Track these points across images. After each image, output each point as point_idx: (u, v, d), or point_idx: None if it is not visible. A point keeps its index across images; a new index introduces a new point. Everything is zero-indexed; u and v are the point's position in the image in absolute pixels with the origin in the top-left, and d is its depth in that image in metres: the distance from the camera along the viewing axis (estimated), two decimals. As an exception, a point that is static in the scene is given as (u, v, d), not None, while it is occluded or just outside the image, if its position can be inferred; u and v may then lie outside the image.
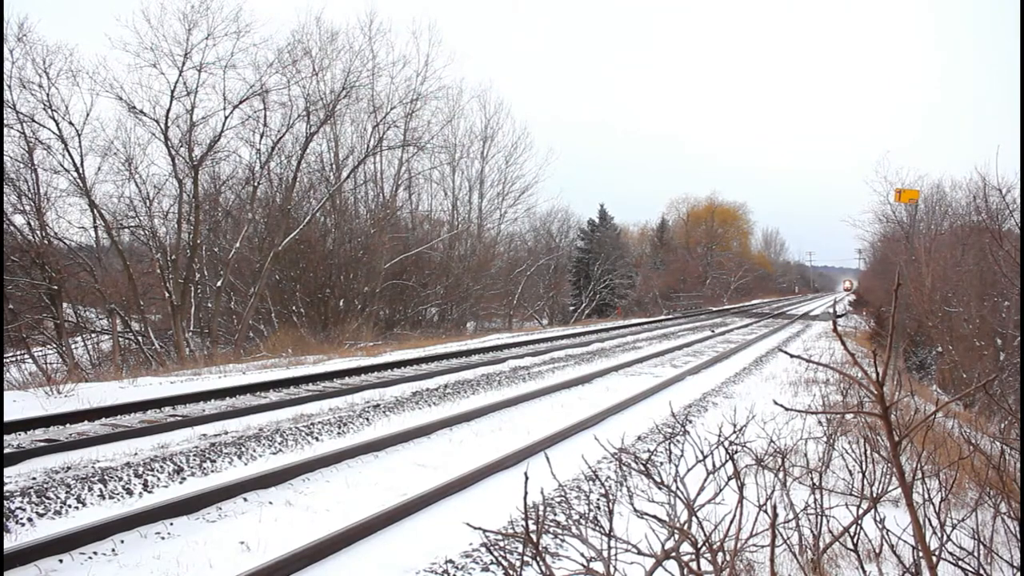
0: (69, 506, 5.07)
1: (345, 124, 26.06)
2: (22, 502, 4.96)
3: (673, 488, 2.82)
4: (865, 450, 3.84)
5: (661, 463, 6.36)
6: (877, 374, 2.24)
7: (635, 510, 2.73)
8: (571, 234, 45.96)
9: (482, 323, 33.18)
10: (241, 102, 20.62)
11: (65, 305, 19.30)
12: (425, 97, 25.80)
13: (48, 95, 17.84)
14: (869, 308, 34.80)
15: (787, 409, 2.63)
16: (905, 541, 3.08)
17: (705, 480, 2.95)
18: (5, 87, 16.96)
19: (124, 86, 19.12)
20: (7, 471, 5.72)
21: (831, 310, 51.27)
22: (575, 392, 10.96)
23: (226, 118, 20.51)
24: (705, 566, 2.72)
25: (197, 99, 19.98)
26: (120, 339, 19.58)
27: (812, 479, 3.80)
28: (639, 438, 7.66)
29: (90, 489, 5.32)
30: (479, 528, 2.59)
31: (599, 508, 5.36)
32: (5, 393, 9.68)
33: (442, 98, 27.66)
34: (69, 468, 5.79)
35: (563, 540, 4.50)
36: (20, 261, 18.26)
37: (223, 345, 20.69)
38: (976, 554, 2.83)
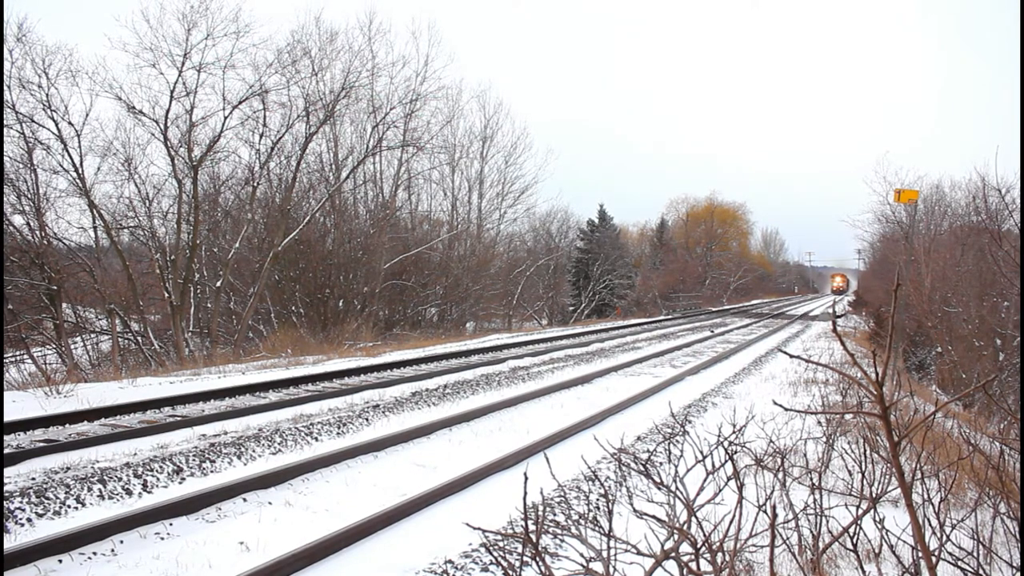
0: (68, 506, 5.07)
1: (344, 124, 26.08)
2: (22, 502, 4.96)
3: (672, 488, 2.81)
4: (864, 450, 3.84)
5: (660, 463, 6.37)
6: (876, 374, 2.24)
7: (635, 510, 2.73)
8: (570, 234, 45.93)
9: (481, 323, 33.17)
10: (240, 102, 20.62)
11: (64, 305, 19.29)
12: (424, 97, 25.80)
13: (47, 95, 17.85)
14: (868, 308, 34.82)
15: (786, 409, 2.63)
16: (904, 541, 3.08)
17: (705, 480, 2.95)
18: (5, 87, 16.96)
19: (123, 86, 19.14)
20: (7, 471, 5.72)
21: (831, 310, 51.27)
22: (575, 392, 10.96)
23: (225, 118, 20.53)
24: (704, 566, 2.72)
25: (196, 99, 20.00)
26: (119, 339, 19.58)
27: (811, 479, 3.80)
28: (639, 438, 7.66)
29: (89, 489, 5.31)
30: (479, 528, 2.59)
31: (599, 508, 5.36)
32: (5, 393, 9.67)
33: (441, 98, 27.65)
34: (68, 468, 5.79)
35: (563, 540, 4.50)
36: (20, 261, 18.25)
37: (223, 345, 20.68)
38: (975, 554, 2.83)
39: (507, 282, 34.76)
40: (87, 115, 18.71)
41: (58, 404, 8.87)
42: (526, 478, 2.42)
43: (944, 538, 2.76)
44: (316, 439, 7.37)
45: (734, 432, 3.19)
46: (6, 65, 17.04)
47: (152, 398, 8.68)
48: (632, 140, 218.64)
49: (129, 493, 5.45)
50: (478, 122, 34.93)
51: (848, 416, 6.82)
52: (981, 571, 2.78)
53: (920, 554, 2.47)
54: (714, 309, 47.16)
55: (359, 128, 26.07)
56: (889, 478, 3.60)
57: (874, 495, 3.28)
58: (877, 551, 3.28)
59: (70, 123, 18.36)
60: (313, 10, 53.92)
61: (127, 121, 19.91)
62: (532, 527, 3.98)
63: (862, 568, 3.05)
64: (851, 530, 3.10)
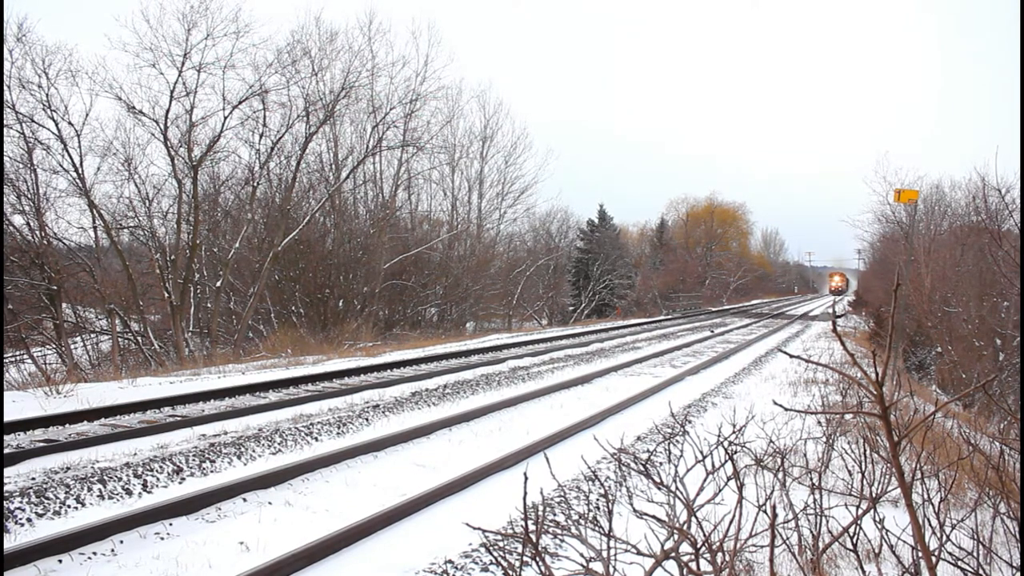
0: (68, 506, 5.07)
1: (344, 124, 26.08)
2: (21, 502, 4.96)
3: (672, 488, 2.81)
4: (864, 450, 3.84)
5: (660, 463, 6.37)
6: (876, 374, 2.24)
7: (634, 510, 2.73)
8: (570, 234, 45.93)
9: (481, 323, 33.16)
10: (240, 102, 20.62)
11: (64, 305, 19.29)
12: (424, 97, 25.78)
13: (47, 95, 17.85)
14: (868, 308, 34.83)
15: (786, 409, 2.63)
16: (904, 541, 3.08)
17: (704, 480, 2.95)
18: (5, 87, 16.96)
19: (123, 86, 19.17)
20: (7, 471, 5.72)
21: (831, 310, 51.28)
22: (574, 392, 10.96)
23: (225, 118, 20.53)
24: (704, 566, 2.72)
25: (196, 99, 20.01)
26: (119, 339, 19.58)
27: (811, 479, 3.80)
28: (638, 438, 7.65)
29: (89, 489, 5.31)
30: (479, 528, 2.59)
31: (598, 508, 5.36)
32: (5, 393, 9.67)
33: (441, 98, 27.63)
34: (68, 468, 5.79)
35: (563, 540, 4.50)
36: (20, 261, 18.25)
37: (222, 345, 20.68)
38: (975, 554, 2.83)
39: (507, 282, 34.75)
40: (87, 115, 18.74)
41: (58, 404, 8.87)
42: (526, 478, 2.42)
43: (944, 538, 2.76)
44: (316, 439, 7.37)
45: (734, 432, 3.19)
46: (6, 65, 17.06)
47: (152, 398, 8.68)
48: (632, 140, 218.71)
49: (129, 493, 5.44)
50: (478, 122, 34.96)
51: (848, 416, 6.82)
52: (981, 571, 2.78)
53: (920, 554, 2.47)
54: (714, 309, 47.17)
55: (359, 128, 26.09)
56: (889, 478, 3.60)
57: (874, 495, 3.28)
58: (877, 551, 3.28)
59: (70, 123, 18.38)
60: (313, 10, 54.00)
61: (127, 121, 19.94)
62: (532, 527, 3.98)
63: (862, 568, 3.05)
64: (851, 530, 3.10)
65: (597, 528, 2.62)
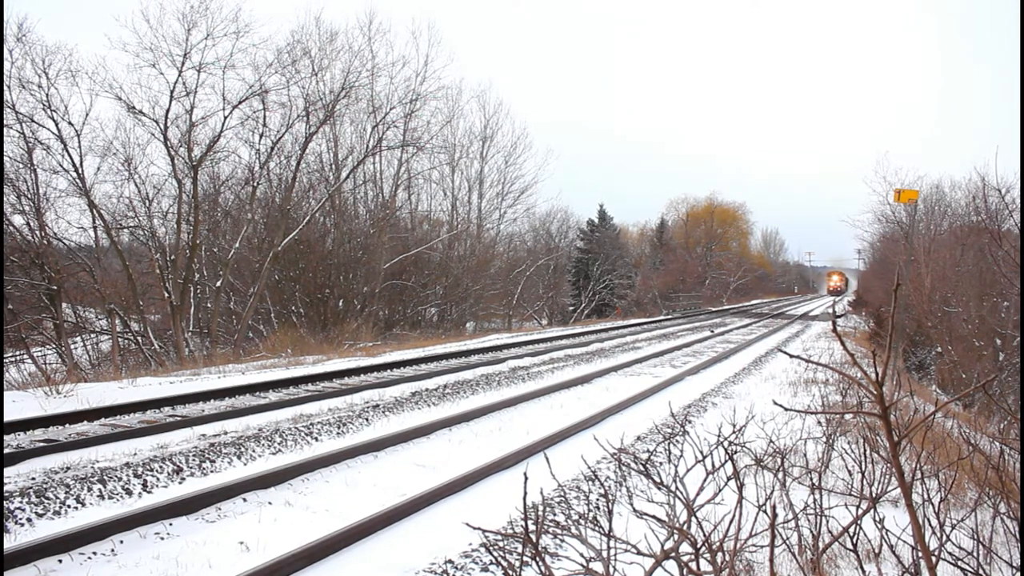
0: (68, 506, 5.07)
1: (344, 124, 26.08)
2: (21, 502, 4.96)
3: (672, 488, 2.81)
4: (864, 450, 3.83)
5: (660, 463, 6.37)
6: (876, 374, 2.24)
7: (634, 510, 2.73)
8: (570, 234, 45.94)
9: (481, 323, 33.16)
10: (240, 102, 20.62)
11: (64, 305, 19.30)
12: (424, 97, 25.79)
13: (47, 95, 17.87)
14: (868, 308, 34.84)
15: (786, 409, 2.63)
16: (904, 541, 3.08)
17: (704, 480, 2.95)
18: (5, 87, 16.96)
19: (123, 86, 19.18)
20: (7, 471, 5.72)
21: (831, 310, 51.28)
22: (574, 392, 10.96)
23: (225, 118, 20.53)
24: (704, 566, 2.72)
25: (196, 99, 20.02)
26: (119, 339, 19.59)
27: (811, 479, 3.80)
28: (638, 438, 7.65)
29: (89, 489, 5.31)
30: (478, 528, 2.59)
31: (598, 508, 5.36)
32: (5, 393, 9.67)
33: (441, 98, 27.63)
34: (68, 468, 5.79)
35: (563, 540, 4.50)
36: (20, 261, 18.26)
37: (222, 345, 20.68)
38: (975, 554, 2.83)
39: (507, 282, 34.75)
40: (87, 115, 18.75)
41: (58, 404, 8.86)
42: (526, 478, 2.41)
43: (944, 538, 2.76)
44: (316, 439, 7.37)
45: (734, 432, 3.19)
46: (6, 65, 17.06)
47: (152, 398, 8.68)
48: (632, 140, 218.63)
49: (129, 493, 5.45)
50: (478, 122, 34.97)
51: (848, 416, 6.82)
52: (981, 571, 2.78)
53: (920, 554, 2.47)
54: (714, 309, 47.16)
55: (359, 128, 26.09)
56: (889, 478, 3.60)
57: (874, 495, 3.28)
58: (877, 551, 3.28)
59: (70, 123, 18.39)
60: (313, 10, 54.00)
61: (127, 121, 19.95)
62: (532, 527, 3.98)
63: (862, 568, 3.05)
64: (851, 530, 3.09)
65: (597, 528, 2.62)
